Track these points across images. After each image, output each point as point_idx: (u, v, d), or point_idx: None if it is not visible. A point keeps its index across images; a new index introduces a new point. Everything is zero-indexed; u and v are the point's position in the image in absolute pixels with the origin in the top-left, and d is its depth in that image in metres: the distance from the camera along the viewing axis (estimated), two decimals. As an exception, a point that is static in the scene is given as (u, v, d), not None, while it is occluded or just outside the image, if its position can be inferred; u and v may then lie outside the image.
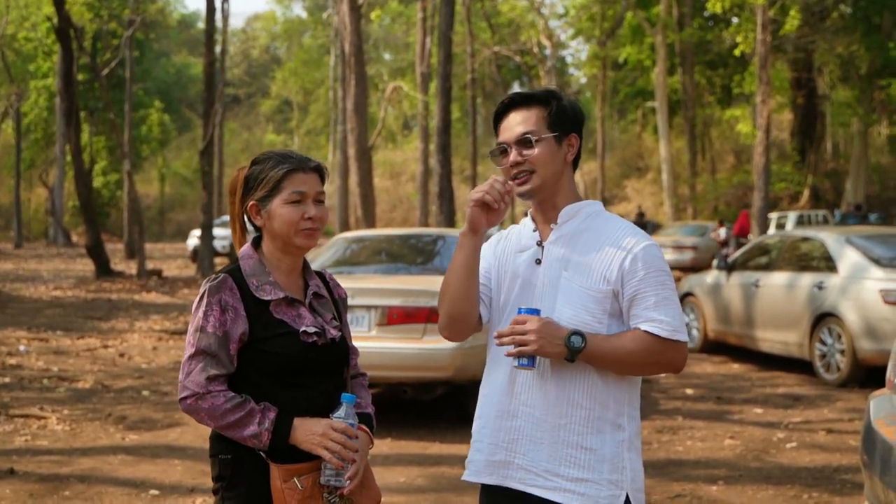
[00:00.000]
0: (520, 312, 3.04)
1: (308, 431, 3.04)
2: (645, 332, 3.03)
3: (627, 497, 3.10)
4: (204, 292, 3.12)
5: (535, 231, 3.24)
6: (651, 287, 3.06)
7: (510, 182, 3.10)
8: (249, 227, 3.31)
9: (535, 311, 3.03)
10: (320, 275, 3.43)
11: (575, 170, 3.28)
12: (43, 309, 20.73)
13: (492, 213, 3.05)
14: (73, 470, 7.79)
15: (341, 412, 3.09)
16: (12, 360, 13.42)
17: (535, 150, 3.12)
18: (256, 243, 3.27)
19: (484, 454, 3.19)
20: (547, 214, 3.21)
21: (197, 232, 36.59)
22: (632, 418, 3.18)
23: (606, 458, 3.07)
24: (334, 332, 3.23)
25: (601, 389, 3.09)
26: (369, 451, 3.24)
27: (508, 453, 3.14)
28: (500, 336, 3.04)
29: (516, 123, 3.16)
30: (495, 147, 3.22)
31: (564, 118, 3.18)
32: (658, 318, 3.03)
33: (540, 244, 3.20)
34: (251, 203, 3.19)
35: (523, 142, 3.13)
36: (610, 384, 3.10)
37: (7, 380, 11.97)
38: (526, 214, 3.35)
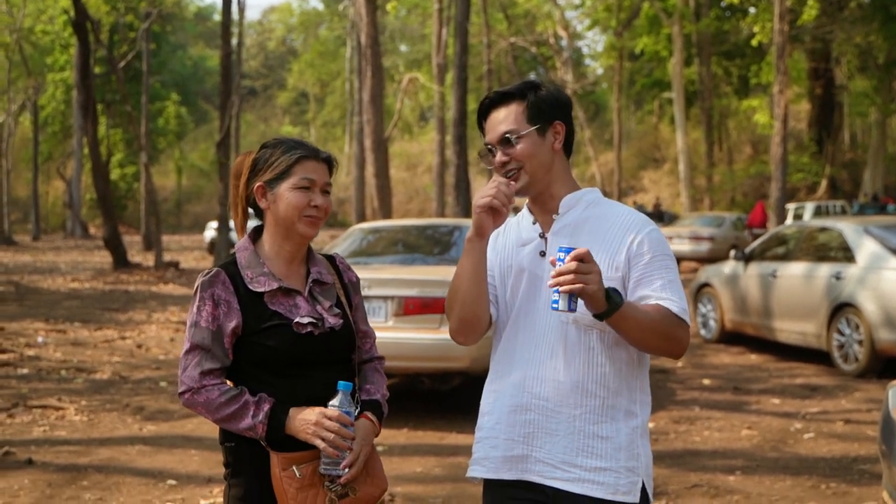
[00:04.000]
0: (560, 251, 2.84)
1: (302, 421, 3.03)
2: (661, 305, 3.00)
3: (643, 483, 3.09)
4: (197, 287, 3.12)
5: (534, 223, 3.21)
6: (657, 270, 3.04)
7: (512, 183, 3.06)
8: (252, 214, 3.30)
9: (570, 250, 2.85)
10: (330, 259, 3.41)
11: (569, 156, 3.24)
12: (61, 300, 20.82)
13: (498, 216, 3.02)
14: (91, 460, 7.83)
15: (336, 400, 3.06)
16: (31, 352, 13.48)
17: (517, 148, 3.09)
18: (255, 236, 3.26)
19: (500, 450, 3.15)
20: (546, 205, 3.18)
21: (214, 224, 36.68)
22: (644, 405, 3.17)
23: (622, 445, 3.06)
24: (333, 321, 3.19)
25: (613, 378, 3.07)
26: (375, 439, 3.23)
27: (526, 447, 3.11)
28: (559, 274, 2.81)
29: (498, 122, 3.14)
30: (483, 148, 3.20)
31: (543, 108, 3.14)
32: (668, 296, 3.01)
33: (543, 236, 3.17)
34: (258, 184, 3.17)
35: (505, 141, 3.11)
36: (622, 372, 3.09)
37: (25, 371, 12.02)
38: (519, 209, 3.32)
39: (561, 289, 2.82)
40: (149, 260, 33.00)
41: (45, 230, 66.26)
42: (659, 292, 3.02)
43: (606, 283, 2.99)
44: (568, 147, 3.22)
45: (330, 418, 3.02)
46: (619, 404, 3.08)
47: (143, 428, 9.10)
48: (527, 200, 3.26)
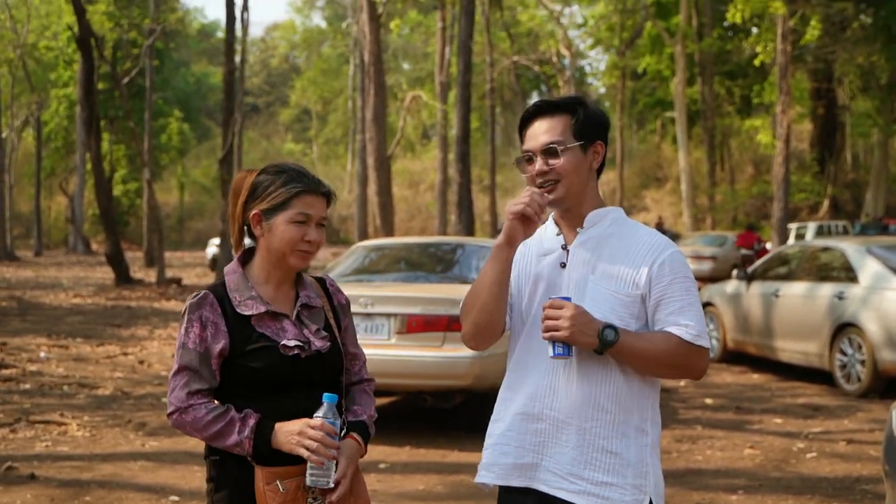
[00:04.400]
0: (550, 299, 3.03)
1: (287, 433, 3.05)
2: (672, 333, 3.03)
3: (651, 502, 3.10)
4: (185, 309, 3.16)
5: (558, 235, 3.23)
6: (677, 293, 3.07)
7: (546, 194, 3.08)
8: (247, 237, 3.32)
9: (567, 299, 3.03)
10: (321, 281, 3.43)
11: (599, 176, 3.27)
12: (63, 316, 20.82)
13: (529, 225, 3.04)
14: (93, 475, 7.83)
15: (321, 412, 3.08)
16: (33, 367, 13.48)
17: (561, 160, 3.10)
18: (244, 258, 3.28)
19: (511, 457, 3.18)
20: (571, 221, 3.20)
21: (216, 240, 36.78)
22: (654, 423, 3.18)
23: (631, 462, 3.07)
24: (319, 344, 3.20)
25: (626, 395, 3.09)
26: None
27: (536, 455, 3.13)
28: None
29: (542, 132, 3.14)
30: (521, 155, 3.21)
31: (590, 126, 3.16)
32: (683, 322, 3.04)
33: (565, 248, 3.19)
34: (255, 212, 3.19)
35: (549, 151, 3.11)
36: (634, 389, 3.10)
37: (28, 386, 12.03)
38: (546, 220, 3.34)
39: (542, 336, 3.03)
40: (151, 276, 33.01)
41: (47, 245, 66.30)
42: (676, 317, 3.05)
43: (622, 303, 3.08)
44: (600, 167, 3.25)
45: (313, 427, 3.04)
46: (631, 421, 3.10)
47: (146, 444, 9.10)
48: (552, 214, 3.28)
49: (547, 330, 2.99)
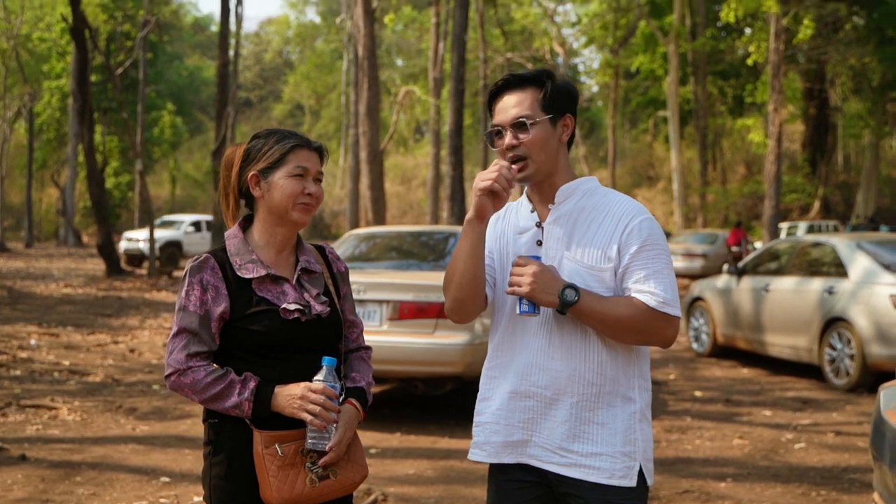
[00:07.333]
0: (518, 256, 3.10)
1: (288, 396, 3.07)
2: (637, 299, 3.05)
3: (641, 468, 3.12)
4: (186, 272, 3.18)
5: (532, 212, 3.25)
6: (643, 261, 3.07)
7: (514, 167, 3.09)
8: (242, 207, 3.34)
9: (536, 258, 3.09)
10: (320, 249, 3.46)
11: (569, 148, 3.27)
12: (54, 306, 20.81)
13: (498, 199, 3.05)
14: (84, 457, 7.84)
15: (321, 375, 3.10)
16: (23, 354, 13.47)
17: (531, 134, 3.11)
18: (244, 224, 3.31)
19: (501, 436, 3.20)
20: (544, 194, 3.22)
21: (129, 234, 36.69)
22: (643, 389, 3.19)
23: (619, 431, 3.09)
24: (319, 308, 3.23)
25: (610, 365, 3.11)
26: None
27: (526, 432, 3.16)
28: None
29: (511, 105, 3.15)
30: (490, 129, 3.22)
31: (559, 99, 3.17)
32: (648, 289, 3.05)
33: (539, 225, 3.21)
34: (252, 173, 3.22)
35: (519, 125, 3.12)
36: (619, 359, 3.12)
37: (18, 372, 12.02)
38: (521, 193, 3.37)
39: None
40: (142, 268, 32.96)
41: (38, 237, 66.11)
42: (640, 285, 3.07)
43: (596, 278, 3.10)
44: (570, 139, 3.25)
45: (314, 391, 3.07)
46: (617, 391, 3.12)
47: (137, 428, 9.12)
48: (526, 188, 3.30)
49: (510, 286, 3.05)
